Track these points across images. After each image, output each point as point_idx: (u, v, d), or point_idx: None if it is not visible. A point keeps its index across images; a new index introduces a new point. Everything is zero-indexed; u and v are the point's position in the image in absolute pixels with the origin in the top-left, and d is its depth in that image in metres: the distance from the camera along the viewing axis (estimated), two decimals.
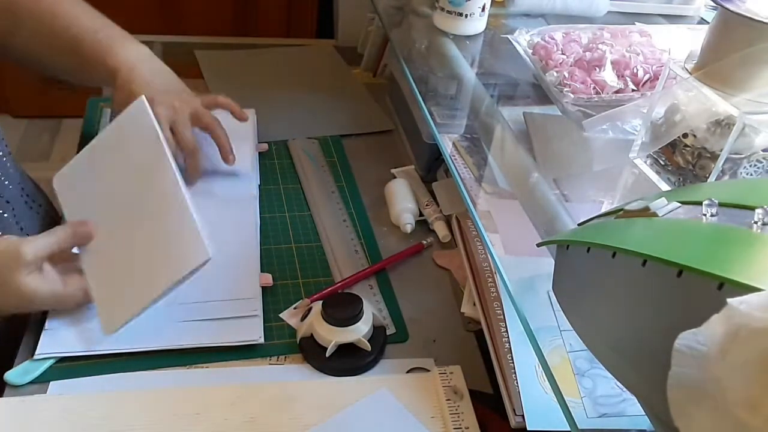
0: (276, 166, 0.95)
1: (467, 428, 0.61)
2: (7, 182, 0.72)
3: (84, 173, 0.73)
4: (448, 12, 0.83)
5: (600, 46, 0.76)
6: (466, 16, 0.82)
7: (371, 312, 0.69)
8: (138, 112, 0.70)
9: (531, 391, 0.60)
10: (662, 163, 0.61)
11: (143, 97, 0.71)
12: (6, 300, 0.61)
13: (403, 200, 0.87)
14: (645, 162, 0.63)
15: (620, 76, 0.73)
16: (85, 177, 0.73)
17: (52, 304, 0.64)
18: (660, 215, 0.39)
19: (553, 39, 0.79)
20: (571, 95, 0.70)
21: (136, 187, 0.69)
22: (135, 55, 0.77)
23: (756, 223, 0.33)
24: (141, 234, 0.67)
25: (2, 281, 0.59)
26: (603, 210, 0.48)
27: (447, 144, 0.82)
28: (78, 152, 0.75)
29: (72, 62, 0.78)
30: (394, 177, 0.94)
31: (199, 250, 0.63)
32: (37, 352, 0.63)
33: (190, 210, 0.65)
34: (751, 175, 0.55)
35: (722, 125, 0.54)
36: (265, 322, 0.69)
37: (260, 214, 0.84)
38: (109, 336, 0.64)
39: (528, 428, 0.57)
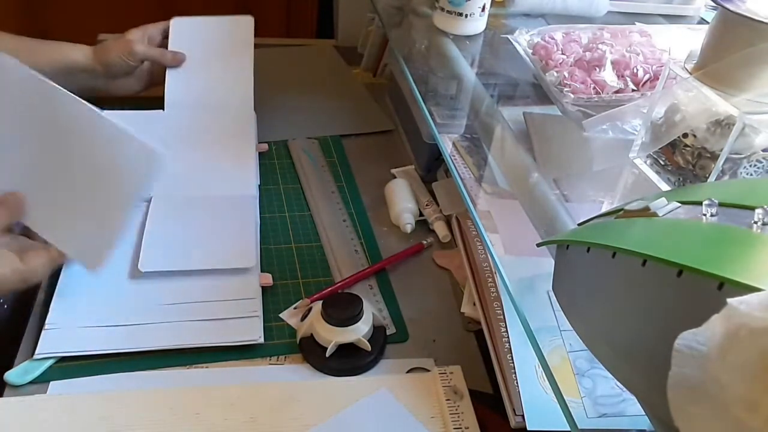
0: (276, 166, 0.95)
1: (467, 428, 0.61)
2: None
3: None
4: (448, 12, 0.83)
5: (600, 46, 0.76)
6: (466, 16, 0.82)
7: (371, 312, 0.69)
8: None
9: (531, 391, 0.60)
10: (662, 163, 0.61)
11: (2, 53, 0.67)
12: None
13: (403, 200, 0.87)
14: (645, 162, 0.63)
15: (620, 76, 0.72)
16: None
17: (17, 282, 0.63)
18: (660, 215, 0.39)
19: (553, 39, 0.79)
20: (571, 95, 0.70)
21: (48, 134, 0.66)
22: (71, 47, 0.86)
23: (756, 223, 0.33)
24: (81, 172, 0.66)
25: None
26: (603, 210, 0.48)
27: (447, 144, 0.82)
28: None
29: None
30: (394, 177, 0.94)
31: (147, 154, 0.63)
32: (37, 351, 0.63)
33: (115, 124, 0.64)
34: (751, 175, 0.55)
35: (722, 125, 0.54)
36: (265, 322, 0.69)
37: (260, 214, 0.84)
38: (94, 271, 0.65)
39: (528, 428, 0.57)
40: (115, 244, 0.65)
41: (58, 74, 0.79)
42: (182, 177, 0.84)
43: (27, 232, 0.67)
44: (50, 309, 0.67)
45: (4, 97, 0.67)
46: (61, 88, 0.66)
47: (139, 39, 0.89)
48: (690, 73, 0.57)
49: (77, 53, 0.87)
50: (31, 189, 0.66)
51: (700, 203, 0.36)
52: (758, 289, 0.28)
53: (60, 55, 0.85)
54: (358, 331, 0.66)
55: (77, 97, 0.66)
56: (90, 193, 0.66)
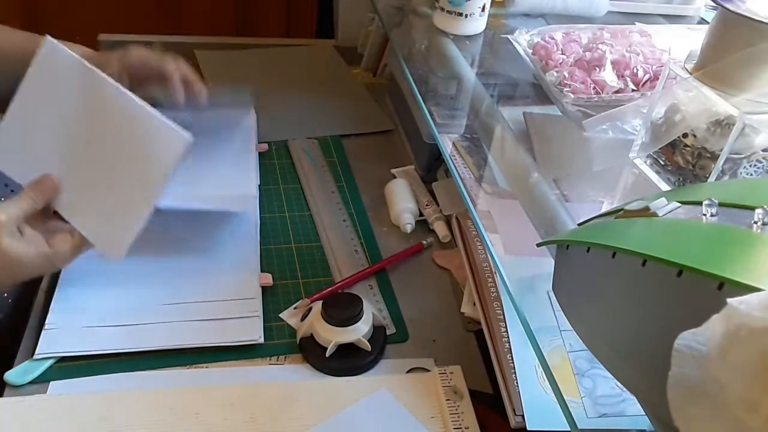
0: (276, 166, 0.95)
1: (467, 428, 0.61)
2: (8, 183, 0.72)
3: (17, 137, 0.69)
4: (448, 12, 0.83)
5: (600, 46, 0.76)
6: (466, 16, 0.82)
7: (371, 312, 0.69)
8: (51, 52, 0.67)
9: (531, 391, 0.60)
10: (662, 163, 0.61)
11: (48, 36, 0.68)
12: None
13: (403, 200, 0.87)
14: (645, 162, 0.63)
15: (620, 76, 0.72)
16: (22, 139, 0.69)
17: (42, 266, 0.63)
18: (660, 215, 0.39)
19: (553, 39, 0.79)
20: (571, 95, 0.70)
21: (83, 118, 0.66)
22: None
23: (756, 223, 0.33)
24: (110, 156, 0.65)
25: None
26: (603, 210, 0.48)
27: (447, 144, 0.82)
28: None
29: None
30: (394, 177, 0.94)
31: (175, 139, 0.62)
32: (37, 351, 0.63)
33: (147, 109, 0.64)
34: (751, 175, 0.55)
35: (722, 125, 0.54)
36: (265, 322, 0.69)
37: (260, 214, 0.84)
38: (120, 259, 0.64)
39: (528, 428, 0.57)
40: (137, 233, 0.64)
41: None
42: (182, 176, 0.84)
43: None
44: (50, 309, 0.67)
45: (45, 80, 0.67)
46: (96, 69, 0.65)
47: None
48: (690, 73, 0.57)
49: (76, 51, 0.85)
50: (63, 172, 0.66)
51: (700, 203, 0.37)
52: (758, 289, 0.28)
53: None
54: (358, 331, 0.66)
55: (109, 79, 0.65)
56: (118, 178, 0.65)
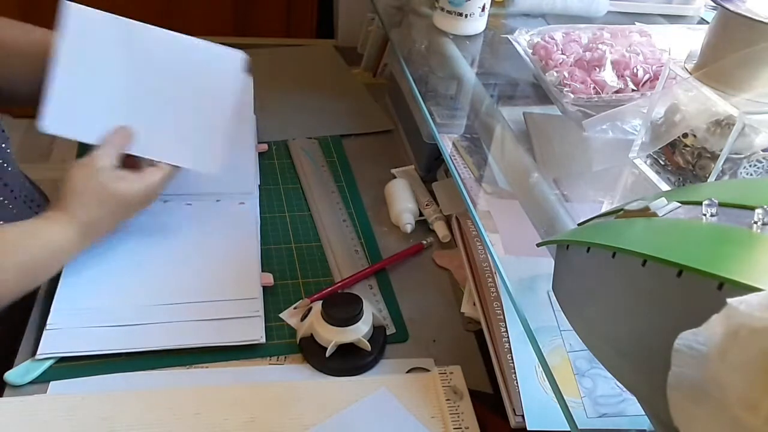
0: (276, 166, 0.95)
1: (467, 428, 0.61)
2: (8, 183, 0.72)
3: (72, 104, 0.71)
4: (448, 12, 0.83)
5: (600, 46, 0.76)
6: (466, 16, 0.82)
7: (371, 312, 0.69)
8: (75, 13, 0.69)
9: (531, 391, 0.60)
10: (662, 163, 0.61)
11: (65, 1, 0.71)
12: (112, 214, 0.68)
13: (403, 200, 0.87)
14: (645, 162, 0.63)
15: (620, 76, 0.73)
16: (78, 104, 0.71)
17: (143, 201, 0.70)
18: (660, 215, 0.39)
19: (553, 39, 0.79)
20: (571, 95, 0.70)
21: (132, 65, 0.71)
22: None
23: (756, 223, 0.33)
24: (172, 91, 0.72)
25: (104, 197, 0.66)
26: (603, 210, 0.48)
27: (447, 144, 0.82)
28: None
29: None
30: (394, 177, 0.94)
31: (231, 57, 0.72)
32: (38, 351, 0.63)
33: (195, 41, 0.71)
34: (751, 175, 0.55)
35: (722, 125, 0.54)
36: (265, 321, 0.69)
37: (260, 214, 0.84)
38: (216, 171, 0.72)
39: (528, 428, 0.57)
40: (223, 147, 0.71)
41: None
42: (182, 176, 0.84)
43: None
44: (51, 309, 0.67)
45: (80, 41, 0.70)
46: (134, 21, 0.71)
47: None
48: (690, 73, 0.57)
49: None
50: (131, 119, 0.71)
51: (700, 203, 0.37)
52: (758, 289, 0.28)
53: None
54: (358, 331, 0.66)
55: (149, 25, 0.71)
56: (186, 108, 0.72)
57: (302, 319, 0.70)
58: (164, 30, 0.71)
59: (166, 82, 0.71)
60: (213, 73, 0.72)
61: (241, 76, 0.72)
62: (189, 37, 0.71)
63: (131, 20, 0.70)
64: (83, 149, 0.91)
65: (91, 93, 0.71)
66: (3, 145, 0.72)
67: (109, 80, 0.71)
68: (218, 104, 0.72)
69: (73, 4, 0.69)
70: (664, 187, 0.60)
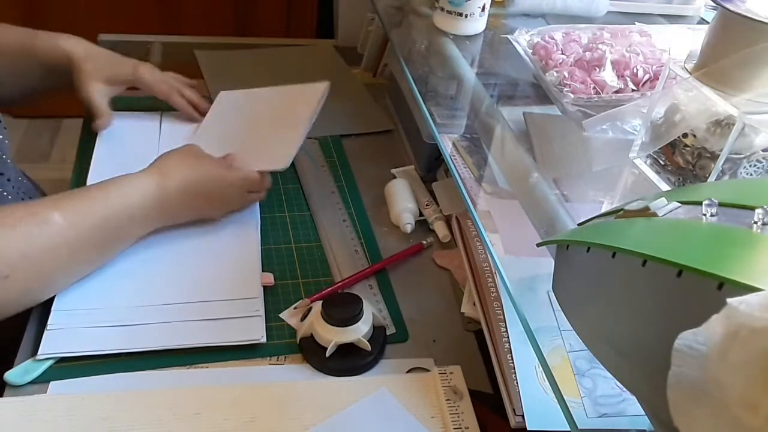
0: None
1: (467, 428, 0.61)
2: (8, 181, 0.72)
3: (208, 137, 0.91)
4: (448, 12, 0.83)
5: (600, 46, 0.76)
6: (466, 16, 0.82)
7: (371, 312, 0.69)
8: (225, 96, 0.98)
9: (531, 391, 0.60)
10: (662, 163, 0.61)
11: (222, 92, 0.99)
12: (196, 193, 0.74)
13: (403, 200, 0.87)
14: (645, 162, 0.63)
15: (620, 76, 0.73)
16: (211, 137, 0.91)
17: (225, 187, 0.78)
18: (660, 215, 0.39)
19: (553, 39, 0.79)
20: (571, 95, 0.70)
21: (240, 114, 0.95)
22: (75, 39, 0.87)
23: (756, 223, 0.33)
24: (263, 124, 0.91)
25: (193, 164, 0.75)
26: (603, 210, 0.48)
27: (447, 144, 0.82)
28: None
29: (31, 66, 0.84)
30: (394, 177, 0.94)
31: (315, 88, 0.89)
32: (39, 351, 0.63)
33: (283, 87, 0.94)
34: (751, 175, 0.55)
35: (722, 125, 0.54)
36: (265, 321, 0.69)
37: (260, 214, 0.84)
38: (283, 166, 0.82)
39: (528, 428, 0.57)
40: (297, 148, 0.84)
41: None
42: None
43: None
44: (52, 309, 0.67)
45: (221, 107, 0.97)
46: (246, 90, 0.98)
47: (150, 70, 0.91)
48: (690, 73, 0.57)
49: (64, 59, 0.86)
50: (235, 148, 0.84)
51: (700, 203, 0.37)
52: (758, 289, 0.28)
53: (53, 49, 0.85)
54: (358, 331, 0.66)
55: (246, 90, 0.98)
56: (271, 132, 0.89)
57: (302, 319, 0.70)
58: (253, 90, 0.97)
59: (261, 118, 0.92)
60: (296, 102, 0.90)
61: (321, 100, 0.88)
62: (276, 87, 0.95)
63: (248, 90, 0.98)
64: (83, 149, 0.92)
65: (217, 132, 0.93)
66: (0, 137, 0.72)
67: (227, 124, 0.94)
68: (298, 120, 0.86)
69: (226, 92, 0.98)
70: (664, 187, 0.60)
